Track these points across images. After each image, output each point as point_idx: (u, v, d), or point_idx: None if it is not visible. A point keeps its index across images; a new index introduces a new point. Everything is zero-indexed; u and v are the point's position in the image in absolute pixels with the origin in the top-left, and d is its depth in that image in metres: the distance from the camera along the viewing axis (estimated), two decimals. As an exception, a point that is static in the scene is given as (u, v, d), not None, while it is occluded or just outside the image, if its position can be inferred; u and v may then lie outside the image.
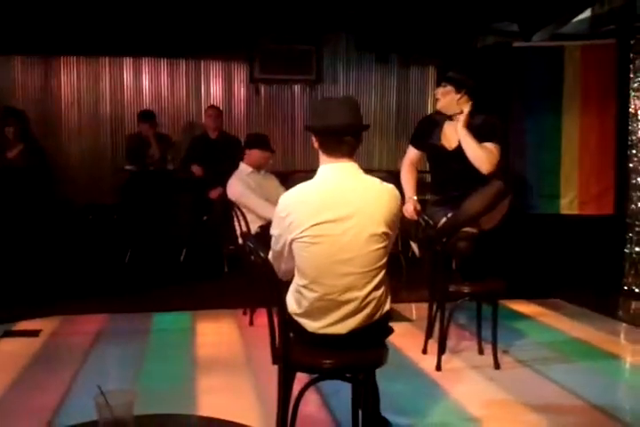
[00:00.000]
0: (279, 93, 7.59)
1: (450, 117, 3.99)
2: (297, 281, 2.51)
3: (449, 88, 3.96)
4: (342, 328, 2.44)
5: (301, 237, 2.42)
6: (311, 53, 7.47)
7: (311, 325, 2.46)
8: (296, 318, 2.49)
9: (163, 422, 1.81)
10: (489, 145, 3.86)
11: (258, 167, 5.21)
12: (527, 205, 6.33)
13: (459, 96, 3.94)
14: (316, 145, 2.54)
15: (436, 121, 4.08)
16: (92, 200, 6.97)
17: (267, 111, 7.57)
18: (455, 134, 3.94)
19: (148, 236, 6.63)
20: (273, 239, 2.55)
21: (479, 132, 3.87)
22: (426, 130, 4.13)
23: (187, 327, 4.71)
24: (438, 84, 4.14)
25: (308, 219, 2.40)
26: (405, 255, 6.08)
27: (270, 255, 2.55)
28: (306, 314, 2.47)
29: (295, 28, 7.17)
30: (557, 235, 6.24)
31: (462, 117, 3.87)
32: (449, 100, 3.96)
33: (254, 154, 5.18)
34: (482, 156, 3.82)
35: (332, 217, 2.40)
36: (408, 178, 4.15)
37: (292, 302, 2.51)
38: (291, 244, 2.46)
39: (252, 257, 2.42)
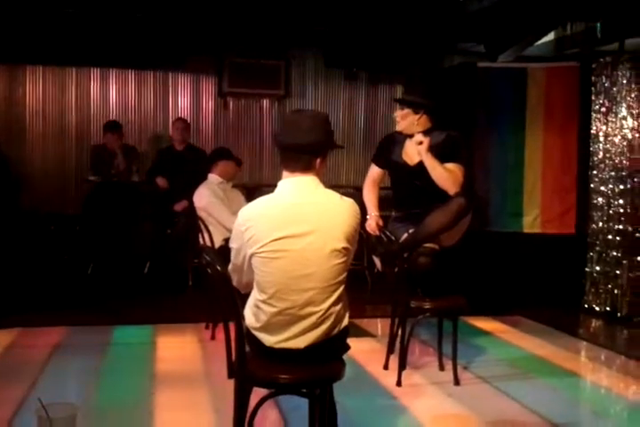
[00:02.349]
0: (247, 107, 7.60)
1: (411, 136, 4.02)
2: (256, 296, 2.49)
3: (406, 110, 4.00)
4: (300, 343, 2.42)
5: (261, 252, 2.41)
6: (280, 68, 7.49)
7: (268, 339, 2.45)
8: (254, 332, 2.48)
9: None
10: (452, 166, 3.90)
11: (226, 178, 5.26)
12: (491, 222, 6.42)
13: (417, 117, 3.98)
14: None
15: (398, 139, 4.12)
16: (55, 210, 6.87)
17: (235, 125, 7.56)
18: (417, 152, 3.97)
19: (112, 248, 6.56)
20: (233, 252, 2.53)
21: (441, 150, 3.91)
22: (387, 148, 4.17)
23: (147, 341, 4.66)
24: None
25: (268, 234, 2.40)
26: (371, 271, 6.11)
27: (230, 268, 2.54)
28: (264, 328, 2.46)
29: (264, 43, 7.20)
30: (520, 253, 6.32)
31: (425, 142, 3.88)
32: (409, 121, 4.00)
33: (224, 165, 5.22)
34: (448, 178, 3.85)
35: (291, 232, 2.40)
36: (370, 195, 4.19)
37: (249, 316, 2.50)
38: (250, 258, 2.45)
39: (209, 270, 2.40)
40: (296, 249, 2.40)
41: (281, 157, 2.54)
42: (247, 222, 2.44)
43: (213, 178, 5.21)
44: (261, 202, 2.50)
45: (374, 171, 4.26)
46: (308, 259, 2.40)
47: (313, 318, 2.42)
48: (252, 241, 2.42)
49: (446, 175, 3.85)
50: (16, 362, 4.12)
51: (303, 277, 2.40)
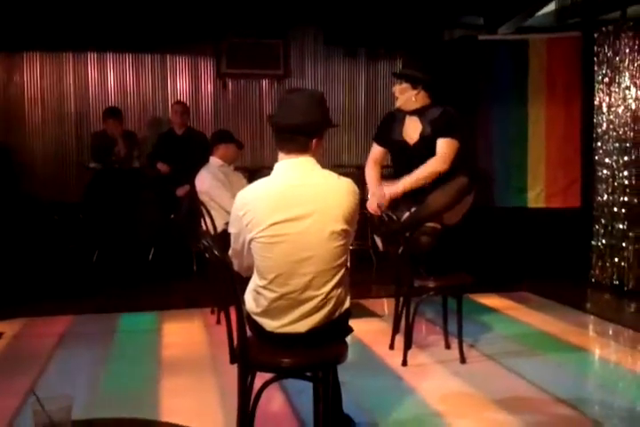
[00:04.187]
0: (247, 88, 7.52)
1: (410, 113, 3.97)
2: (255, 281, 2.47)
3: (405, 85, 3.94)
4: (301, 327, 2.40)
5: (260, 237, 2.38)
6: (279, 47, 7.40)
7: (270, 324, 2.43)
8: (254, 317, 2.46)
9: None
10: (442, 142, 3.84)
11: (228, 161, 5.23)
12: (495, 198, 6.38)
13: (416, 92, 3.93)
14: None
15: (398, 117, 4.07)
16: (57, 198, 6.85)
17: (234, 106, 7.50)
18: (416, 129, 3.92)
19: (116, 235, 6.54)
20: (232, 237, 2.51)
21: (437, 126, 3.87)
22: (387, 126, 4.12)
23: (153, 328, 4.66)
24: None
25: (266, 218, 2.36)
26: (376, 251, 6.09)
27: (230, 253, 2.52)
28: (264, 313, 2.44)
29: (262, 22, 7.10)
30: (525, 227, 6.29)
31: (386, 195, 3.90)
32: (407, 97, 3.95)
33: (225, 148, 5.19)
34: (431, 171, 3.81)
35: (290, 215, 2.36)
36: (371, 174, 4.13)
37: (249, 301, 2.48)
38: (250, 242, 2.42)
39: (207, 255, 2.38)
40: (295, 233, 2.37)
41: (276, 139, 2.50)
42: (245, 207, 2.41)
43: (215, 161, 5.18)
44: (258, 185, 2.47)
45: (375, 150, 4.21)
46: (307, 242, 2.37)
47: (314, 302, 2.39)
48: (250, 226, 2.39)
49: (429, 170, 3.80)
50: (23, 352, 4.13)
51: (303, 260, 2.37)
